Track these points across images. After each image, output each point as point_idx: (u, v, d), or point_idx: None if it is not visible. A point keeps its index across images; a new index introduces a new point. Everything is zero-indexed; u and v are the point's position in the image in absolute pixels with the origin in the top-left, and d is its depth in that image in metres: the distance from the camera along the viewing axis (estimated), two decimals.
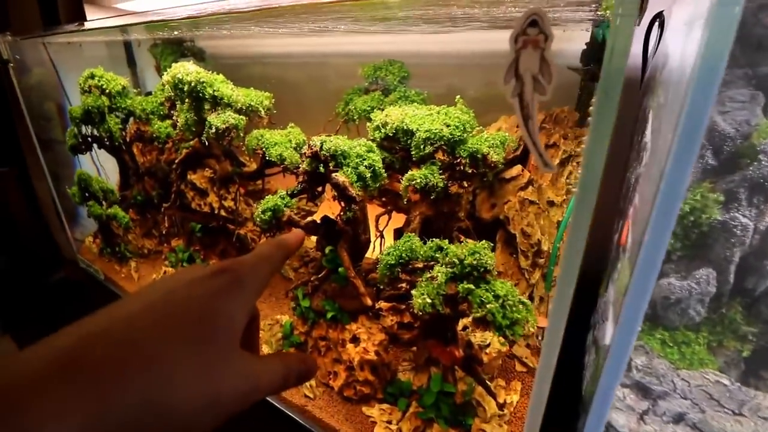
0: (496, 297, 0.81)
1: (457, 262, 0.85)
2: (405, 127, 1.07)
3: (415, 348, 1.05)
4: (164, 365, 0.26)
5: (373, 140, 1.13)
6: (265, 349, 1.22)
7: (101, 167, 1.87)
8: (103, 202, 1.73)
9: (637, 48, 1.02)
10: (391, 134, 1.11)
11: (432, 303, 0.84)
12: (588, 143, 0.51)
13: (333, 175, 1.02)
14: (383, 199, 1.29)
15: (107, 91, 1.56)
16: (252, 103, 1.29)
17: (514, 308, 0.80)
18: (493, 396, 0.92)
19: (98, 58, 2.08)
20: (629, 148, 1.03)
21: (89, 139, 1.66)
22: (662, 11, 0.93)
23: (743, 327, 0.82)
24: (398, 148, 1.13)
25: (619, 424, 0.80)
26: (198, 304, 0.29)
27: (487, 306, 0.80)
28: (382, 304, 1.18)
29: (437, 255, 0.90)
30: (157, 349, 0.26)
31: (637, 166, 0.86)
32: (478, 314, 0.81)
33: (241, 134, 1.29)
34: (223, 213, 1.56)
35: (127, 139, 1.69)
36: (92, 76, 1.57)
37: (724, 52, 0.41)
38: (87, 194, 1.72)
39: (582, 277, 0.55)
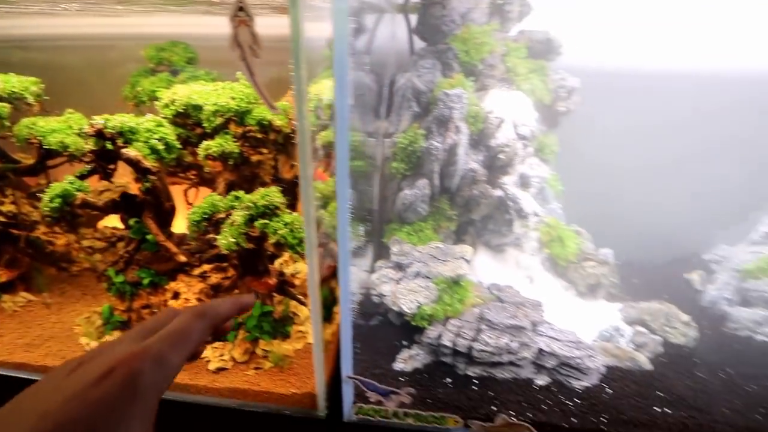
0: (286, 224, 1.05)
1: (252, 205, 1.06)
2: (193, 103, 1.20)
3: (236, 290, 1.22)
4: None
5: (165, 118, 1.22)
6: (84, 341, 1.20)
7: None
8: None
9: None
10: (181, 110, 1.21)
11: (236, 242, 1.03)
12: (295, 104, 0.77)
13: (123, 150, 1.08)
14: (190, 174, 1.39)
15: None
16: (15, 90, 1.19)
17: (300, 230, 1.05)
18: (304, 304, 1.17)
19: None
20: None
21: None
22: None
23: (449, 212, 1.28)
24: (191, 123, 1.25)
25: (385, 291, 1.16)
26: None
27: (279, 232, 1.04)
28: (206, 267, 1.31)
29: (235, 203, 1.09)
30: None
31: None
32: (274, 239, 1.04)
33: (7, 124, 1.19)
34: (1, 219, 1.38)
35: None
36: None
37: (345, 33, 0.70)
38: None
39: None
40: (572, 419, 1.01)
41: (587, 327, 1.21)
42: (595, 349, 1.08)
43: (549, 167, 1.39)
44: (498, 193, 1.27)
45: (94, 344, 1.20)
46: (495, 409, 1.02)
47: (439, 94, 1.21)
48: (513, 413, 1.02)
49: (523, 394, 1.06)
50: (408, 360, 1.13)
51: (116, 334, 1.21)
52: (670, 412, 1.03)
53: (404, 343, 1.18)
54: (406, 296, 1.13)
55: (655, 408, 1.04)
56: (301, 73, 0.75)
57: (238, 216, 1.04)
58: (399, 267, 1.20)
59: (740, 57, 1.37)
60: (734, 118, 1.41)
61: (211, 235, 1.11)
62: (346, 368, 1.02)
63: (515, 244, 1.34)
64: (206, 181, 1.35)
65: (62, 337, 1.21)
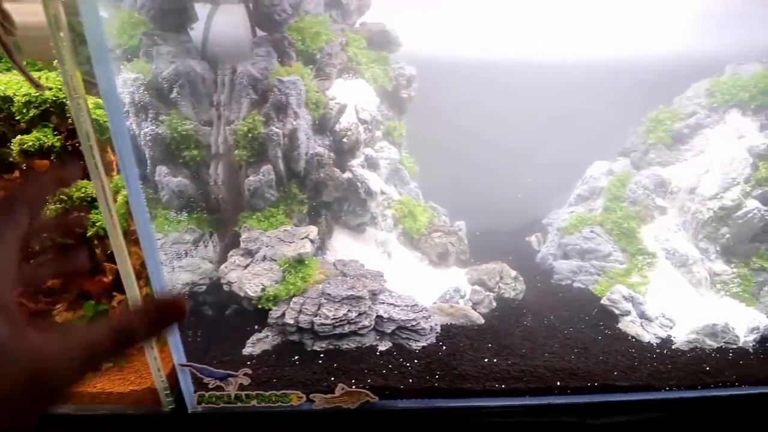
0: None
1: (66, 198, 1.01)
2: (1, 95, 1.11)
3: (66, 293, 1.14)
4: None
5: None
6: None
7: None
8: None
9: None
10: None
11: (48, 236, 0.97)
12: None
13: None
14: (14, 175, 1.28)
15: None
16: None
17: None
18: None
19: None
20: None
21: None
22: None
23: (300, 196, 1.30)
24: (3, 117, 1.15)
25: (233, 278, 1.15)
26: None
27: (98, 224, 1.00)
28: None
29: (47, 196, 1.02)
30: None
31: None
32: (92, 232, 1.00)
33: None
34: None
35: None
36: None
37: (96, 20, 0.70)
38: None
39: None
40: (409, 380, 1.08)
41: (433, 292, 1.29)
42: (431, 311, 1.17)
43: (400, 150, 1.48)
44: (347, 175, 1.32)
45: None
46: (334, 380, 1.05)
47: (273, 81, 1.23)
48: (354, 381, 1.06)
49: (366, 362, 1.11)
50: (256, 343, 1.14)
51: None
52: (496, 361, 1.13)
53: (256, 327, 1.18)
54: (252, 280, 1.14)
55: (485, 360, 1.14)
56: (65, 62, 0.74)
57: (51, 209, 0.99)
58: (248, 253, 1.20)
59: (563, 47, 1.57)
60: (562, 102, 1.60)
61: None
62: (178, 356, 1.00)
63: (372, 222, 1.41)
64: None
65: None
